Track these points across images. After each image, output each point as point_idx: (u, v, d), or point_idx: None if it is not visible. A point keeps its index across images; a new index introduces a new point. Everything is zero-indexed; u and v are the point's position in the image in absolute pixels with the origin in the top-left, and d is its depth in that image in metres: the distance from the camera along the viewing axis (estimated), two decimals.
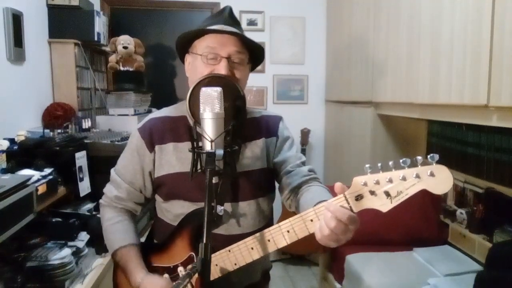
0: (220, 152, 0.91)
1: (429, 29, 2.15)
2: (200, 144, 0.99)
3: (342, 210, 0.85)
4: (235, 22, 1.17)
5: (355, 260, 2.45)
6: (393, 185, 0.82)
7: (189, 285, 0.90)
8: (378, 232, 2.55)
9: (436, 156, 0.79)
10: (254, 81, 3.74)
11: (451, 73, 1.94)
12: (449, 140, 2.72)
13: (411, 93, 2.35)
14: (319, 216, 0.91)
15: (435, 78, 2.08)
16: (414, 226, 2.60)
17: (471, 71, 1.79)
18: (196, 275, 0.87)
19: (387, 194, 0.83)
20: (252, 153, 1.18)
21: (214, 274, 1.03)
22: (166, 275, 1.14)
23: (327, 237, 0.87)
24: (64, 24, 2.73)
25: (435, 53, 2.08)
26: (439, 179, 0.80)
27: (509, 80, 1.58)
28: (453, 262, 2.35)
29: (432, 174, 0.80)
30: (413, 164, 0.81)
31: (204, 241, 0.82)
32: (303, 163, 1.23)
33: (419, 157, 0.81)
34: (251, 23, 3.83)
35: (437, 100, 2.09)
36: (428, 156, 0.80)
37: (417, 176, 0.80)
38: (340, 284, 2.60)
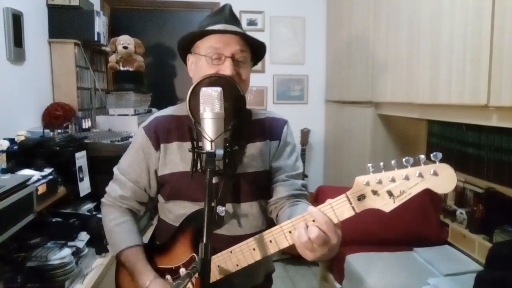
0: (220, 152, 0.91)
1: (429, 29, 2.15)
2: (200, 144, 0.98)
3: (322, 215, 0.86)
4: (235, 20, 1.17)
5: (355, 260, 2.45)
6: (396, 185, 0.81)
7: (189, 285, 0.89)
8: (378, 232, 2.55)
9: (440, 155, 0.78)
10: (254, 81, 3.71)
11: (451, 73, 1.94)
12: (449, 140, 2.72)
13: (411, 93, 2.35)
14: None
15: (435, 78, 2.08)
16: (414, 226, 2.60)
17: (471, 71, 1.79)
18: (197, 275, 0.87)
19: (390, 193, 0.82)
20: (255, 154, 1.18)
21: (216, 275, 1.02)
22: (168, 277, 1.14)
23: (299, 248, 0.89)
24: (64, 24, 2.72)
25: (435, 53, 2.08)
26: (442, 178, 0.79)
27: (509, 80, 1.58)
28: (453, 262, 2.34)
29: (435, 173, 0.78)
30: (416, 163, 0.80)
31: (204, 240, 0.81)
32: (300, 175, 1.23)
33: (422, 156, 0.80)
34: (251, 23, 3.83)
35: (437, 100, 2.09)
36: (432, 155, 0.79)
37: (420, 175, 0.79)
38: (340, 284, 2.60)
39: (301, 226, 0.88)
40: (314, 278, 3.35)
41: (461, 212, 2.49)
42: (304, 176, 2.61)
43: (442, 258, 2.38)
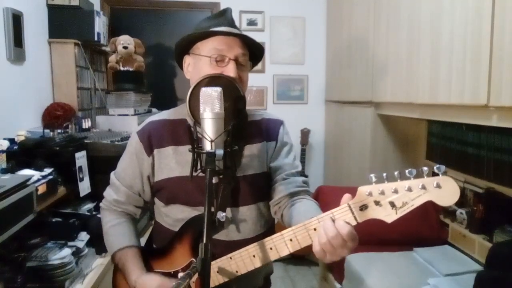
0: (220, 152, 0.91)
1: (429, 29, 2.15)
2: (200, 144, 0.98)
3: (343, 223, 0.86)
4: (235, 24, 1.17)
5: (355, 260, 2.45)
6: (399, 196, 0.82)
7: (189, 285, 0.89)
8: (378, 232, 2.54)
9: (443, 168, 0.79)
10: (254, 81, 3.74)
11: (451, 73, 1.94)
12: (449, 140, 2.72)
13: (411, 93, 2.35)
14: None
15: (435, 78, 2.08)
16: (414, 226, 2.59)
17: (471, 71, 1.79)
18: (196, 275, 0.86)
19: (392, 204, 0.83)
20: (252, 156, 1.17)
21: (215, 281, 1.02)
22: None
23: (323, 246, 0.87)
24: (64, 24, 2.72)
25: (435, 53, 2.08)
26: (445, 191, 0.79)
27: (509, 80, 1.58)
28: (453, 262, 2.34)
29: (438, 186, 0.79)
30: (419, 175, 0.81)
31: (204, 241, 0.81)
32: (299, 173, 1.22)
33: (425, 168, 0.81)
34: (251, 23, 3.83)
35: (437, 100, 2.08)
36: (435, 167, 0.79)
37: (423, 187, 0.80)
38: (340, 284, 2.60)
39: (325, 224, 0.88)
40: (314, 278, 3.35)
41: (461, 212, 2.48)
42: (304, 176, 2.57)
43: (442, 258, 2.37)
